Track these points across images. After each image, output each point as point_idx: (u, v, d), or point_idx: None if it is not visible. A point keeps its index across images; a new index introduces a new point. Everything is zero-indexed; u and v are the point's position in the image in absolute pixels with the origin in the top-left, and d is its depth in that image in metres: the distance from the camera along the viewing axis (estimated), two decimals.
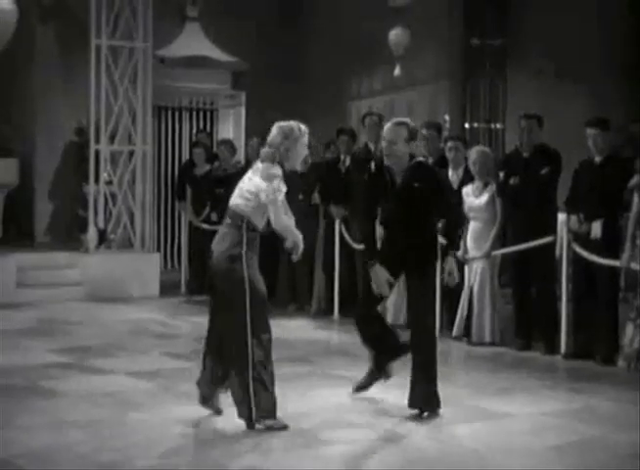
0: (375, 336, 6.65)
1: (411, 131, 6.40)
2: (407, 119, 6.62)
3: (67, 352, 8.24)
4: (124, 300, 11.46)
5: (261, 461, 5.31)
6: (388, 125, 6.50)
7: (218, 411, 6.08)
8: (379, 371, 6.72)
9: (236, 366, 5.86)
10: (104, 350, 8.44)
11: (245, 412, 5.81)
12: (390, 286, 6.51)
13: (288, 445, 5.56)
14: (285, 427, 5.83)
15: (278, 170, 5.92)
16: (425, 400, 6.28)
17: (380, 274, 6.35)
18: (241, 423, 5.89)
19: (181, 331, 9.63)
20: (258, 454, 5.40)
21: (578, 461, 5.36)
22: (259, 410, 5.79)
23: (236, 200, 5.99)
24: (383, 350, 6.68)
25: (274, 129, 6.07)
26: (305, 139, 6.05)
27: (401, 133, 6.33)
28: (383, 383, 6.71)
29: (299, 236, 6.09)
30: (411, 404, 6.30)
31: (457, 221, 6.62)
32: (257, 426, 5.80)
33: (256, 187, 5.91)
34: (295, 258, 6.07)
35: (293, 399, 6.58)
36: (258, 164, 6.04)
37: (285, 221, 5.97)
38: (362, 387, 6.72)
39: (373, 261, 6.37)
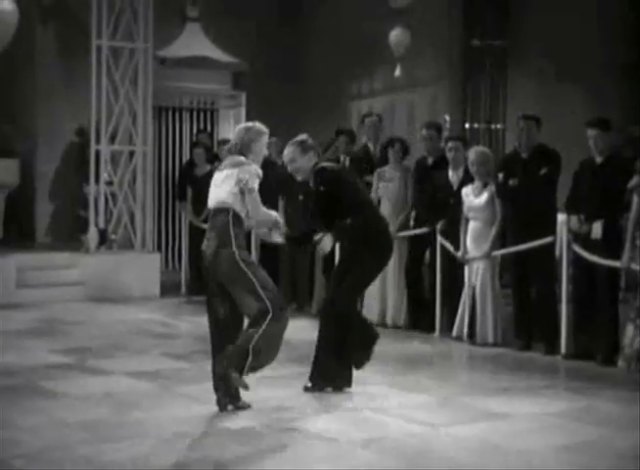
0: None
1: (303, 146, 6.83)
2: (299, 137, 6.94)
3: (67, 353, 8.24)
4: (125, 300, 11.47)
5: (261, 460, 5.31)
6: (285, 149, 6.95)
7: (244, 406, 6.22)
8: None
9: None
10: (104, 350, 8.44)
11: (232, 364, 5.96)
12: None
13: (289, 444, 5.56)
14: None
15: (242, 158, 6.18)
16: (330, 377, 6.69)
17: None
18: (242, 423, 5.92)
19: (181, 331, 9.63)
20: (259, 454, 5.40)
21: (578, 462, 5.35)
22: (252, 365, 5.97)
23: (218, 196, 6.19)
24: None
25: (237, 128, 6.44)
26: (265, 138, 6.35)
27: (294, 150, 6.84)
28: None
29: (274, 214, 6.39)
30: (311, 380, 6.72)
31: (351, 226, 6.83)
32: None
33: (233, 176, 6.11)
34: (281, 240, 6.56)
35: (293, 399, 6.59)
36: (222, 164, 6.32)
37: (263, 212, 6.23)
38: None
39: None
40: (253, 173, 6.11)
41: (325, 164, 6.91)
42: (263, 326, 5.93)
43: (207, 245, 6.15)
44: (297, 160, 6.82)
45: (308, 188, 7.00)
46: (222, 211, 6.13)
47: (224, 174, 6.20)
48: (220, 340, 6.13)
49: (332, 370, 6.73)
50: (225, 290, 6.10)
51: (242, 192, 6.08)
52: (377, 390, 6.87)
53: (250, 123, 6.40)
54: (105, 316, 10.44)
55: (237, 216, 6.10)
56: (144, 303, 11.41)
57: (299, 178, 6.92)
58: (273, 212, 6.45)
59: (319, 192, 6.75)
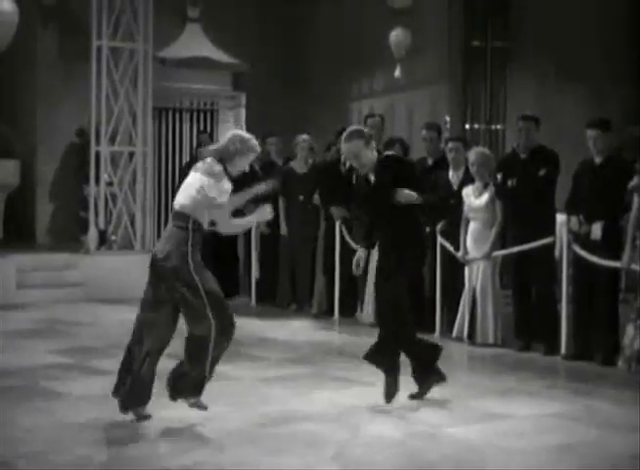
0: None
1: (365, 137, 6.51)
2: (355, 128, 6.76)
3: (67, 353, 8.25)
4: (125, 301, 11.44)
5: (261, 462, 5.31)
6: (343, 144, 6.60)
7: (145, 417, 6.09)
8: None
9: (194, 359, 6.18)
10: (104, 350, 8.43)
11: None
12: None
13: (289, 445, 5.56)
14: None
15: (219, 167, 5.92)
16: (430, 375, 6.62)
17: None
18: (241, 425, 5.94)
19: (181, 332, 9.60)
20: (258, 455, 5.40)
21: (578, 462, 5.35)
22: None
23: (181, 200, 6.01)
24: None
25: (232, 133, 6.13)
26: (253, 156, 6.09)
27: (358, 144, 6.46)
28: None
29: (251, 220, 6.32)
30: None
31: (434, 204, 6.73)
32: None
33: (200, 183, 5.90)
34: (264, 230, 6.26)
35: (294, 399, 6.59)
36: (199, 164, 6.05)
37: (231, 225, 6.11)
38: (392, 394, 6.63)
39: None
40: (223, 191, 5.88)
41: (389, 152, 6.66)
42: (211, 343, 6.10)
43: (161, 245, 6.04)
44: (362, 154, 6.46)
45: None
46: (184, 216, 5.97)
47: (196, 178, 5.95)
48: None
49: (428, 368, 6.63)
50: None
51: (208, 198, 5.88)
52: (377, 390, 6.86)
53: (246, 136, 6.06)
54: (105, 317, 10.44)
55: (198, 225, 5.94)
56: None
57: (362, 172, 6.56)
58: (244, 220, 6.34)
59: (382, 183, 6.44)
